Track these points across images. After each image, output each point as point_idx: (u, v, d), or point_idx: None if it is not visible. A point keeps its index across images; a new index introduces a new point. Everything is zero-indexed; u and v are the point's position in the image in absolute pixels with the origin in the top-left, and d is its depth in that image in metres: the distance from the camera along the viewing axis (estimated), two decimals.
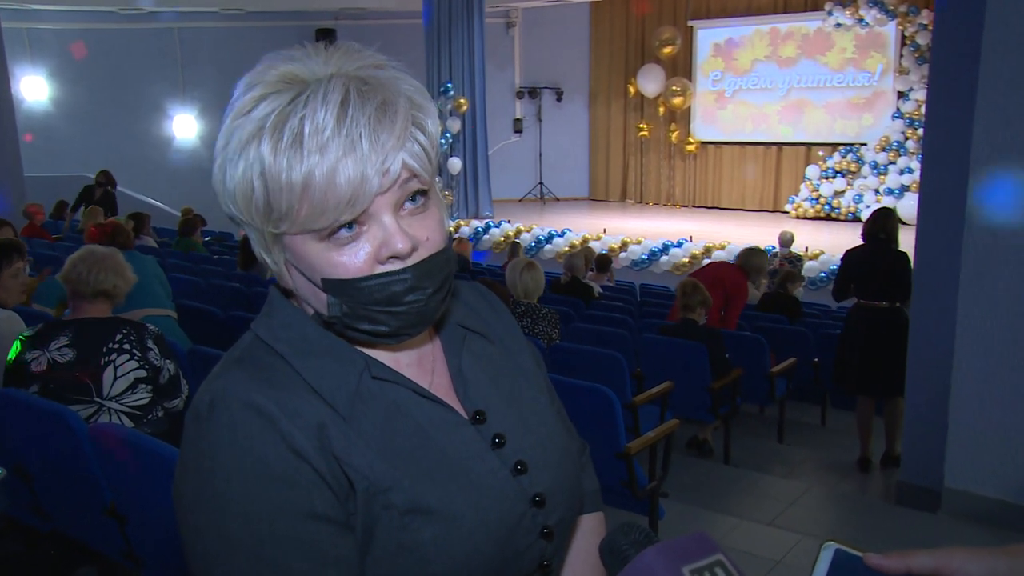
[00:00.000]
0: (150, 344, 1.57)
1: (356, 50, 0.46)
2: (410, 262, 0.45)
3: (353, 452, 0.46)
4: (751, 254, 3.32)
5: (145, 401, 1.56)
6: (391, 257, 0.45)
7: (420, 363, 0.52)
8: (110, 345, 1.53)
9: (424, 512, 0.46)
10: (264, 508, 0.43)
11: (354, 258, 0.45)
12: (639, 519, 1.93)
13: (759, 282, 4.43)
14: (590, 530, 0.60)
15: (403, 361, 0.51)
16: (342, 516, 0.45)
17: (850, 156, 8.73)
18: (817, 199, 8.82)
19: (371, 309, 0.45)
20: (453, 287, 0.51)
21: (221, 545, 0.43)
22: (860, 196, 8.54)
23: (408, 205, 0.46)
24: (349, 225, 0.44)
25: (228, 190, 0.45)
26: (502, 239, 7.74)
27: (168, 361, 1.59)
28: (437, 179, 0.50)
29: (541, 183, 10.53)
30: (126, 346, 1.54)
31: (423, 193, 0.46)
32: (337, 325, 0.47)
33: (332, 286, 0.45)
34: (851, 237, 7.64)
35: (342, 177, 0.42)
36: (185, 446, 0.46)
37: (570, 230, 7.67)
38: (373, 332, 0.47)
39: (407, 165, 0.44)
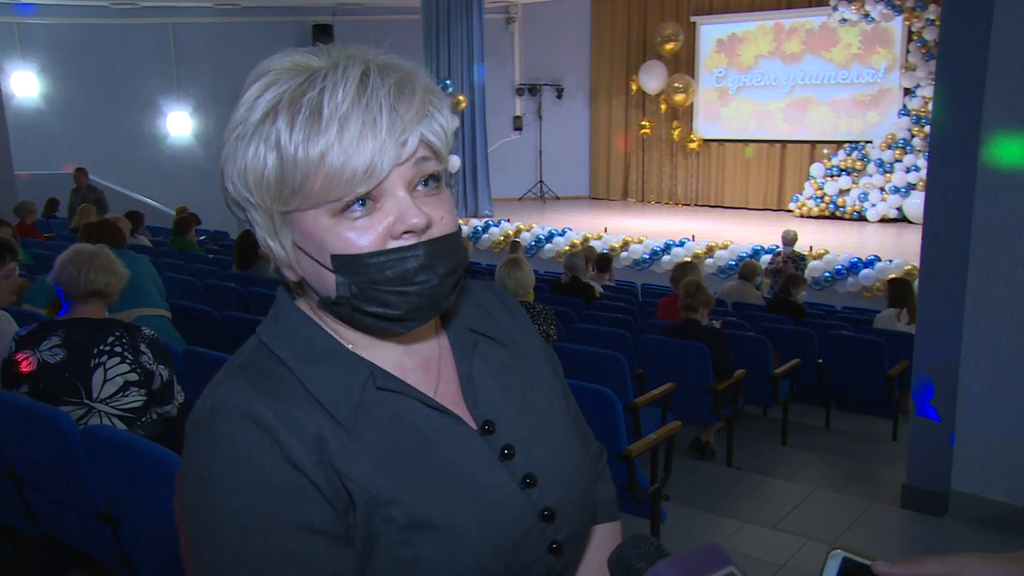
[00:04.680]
0: (143, 348, 1.54)
1: (372, 48, 0.46)
2: (424, 238, 0.45)
3: (353, 465, 0.45)
4: (682, 271, 3.41)
5: (138, 404, 1.54)
6: (405, 232, 0.44)
7: (425, 368, 0.51)
8: (101, 347, 1.51)
9: (425, 527, 0.45)
10: (260, 521, 0.42)
11: (366, 234, 0.44)
12: (640, 522, 1.92)
13: (761, 283, 4.41)
14: (604, 540, 0.58)
15: (408, 366, 0.50)
16: (340, 530, 0.44)
17: (855, 154, 8.68)
18: (822, 198, 8.78)
19: (381, 289, 0.44)
20: (464, 284, 0.50)
21: (217, 556, 0.43)
22: (865, 195, 8.50)
23: (421, 187, 0.45)
24: (363, 201, 0.44)
25: (238, 169, 0.44)
26: (502, 238, 7.71)
27: (162, 366, 1.57)
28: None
29: (541, 181, 10.51)
30: (117, 348, 1.52)
31: (436, 179, 0.46)
32: (344, 307, 0.46)
33: (341, 263, 0.44)
34: (856, 236, 7.66)
35: (361, 148, 0.42)
36: (186, 453, 0.46)
37: (570, 229, 7.65)
38: (382, 315, 0.45)
39: (426, 140, 0.44)
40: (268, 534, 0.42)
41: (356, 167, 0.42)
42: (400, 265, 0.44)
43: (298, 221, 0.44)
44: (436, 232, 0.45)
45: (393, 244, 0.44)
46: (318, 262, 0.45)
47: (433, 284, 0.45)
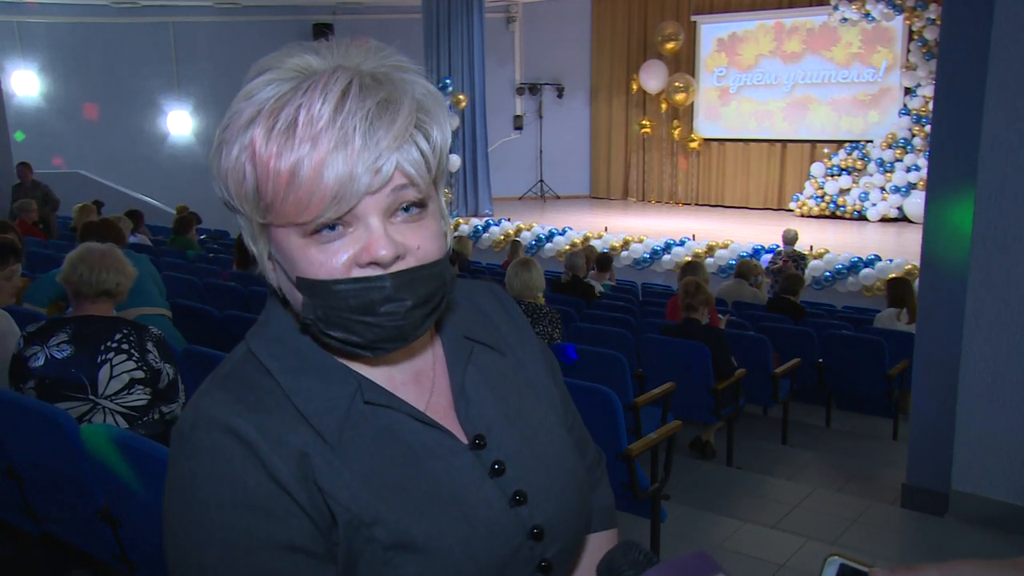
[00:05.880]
0: (150, 346, 1.55)
1: (379, 48, 0.44)
2: (392, 269, 0.43)
3: (337, 483, 0.44)
4: (689, 270, 3.44)
5: (143, 403, 1.54)
6: (371, 263, 0.42)
7: (417, 380, 0.50)
8: (108, 344, 1.51)
9: (409, 547, 0.44)
10: (241, 537, 0.42)
11: (333, 258, 0.42)
12: (641, 521, 1.92)
13: (761, 282, 4.41)
14: (598, 550, 0.57)
15: (398, 378, 0.49)
16: (322, 548, 0.43)
17: (856, 153, 8.68)
18: (822, 197, 8.78)
19: (344, 316, 0.43)
20: (451, 300, 0.49)
21: (197, 571, 0.43)
22: (866, 194, 8.50)
23: (401, 214, 0.43)
24: (333, 225, 0.42)
25: (221, 172, 0.43)
26: (502, 237, 7.71)
27: (168, 365, 1.57)
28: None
29: (542, 180, 10.51)
30: (124, 346, 1.52)
31: (420, 204, 0.44)
32: (312, 329, 0.45)
33: (307, 286, 0.43)
34: (857, 236, 7.66)
35: (330, 172, 0.40)
36: (170, 465, 0.45)
37: (571, 228, 7.64)
38: (346, 341, 0.44)
39: (402, 169, 0.42)
40: (248, 551, 0.42)
41: (324, 193, 0.40)
42: (364, 295, 0.42)
43: (274, 235, 0.43)
44: (410, 262, 0.43)
45: (358, 273, 0.42)
46: (289, 279, 0.44)
47: (399, 316, 0.43)
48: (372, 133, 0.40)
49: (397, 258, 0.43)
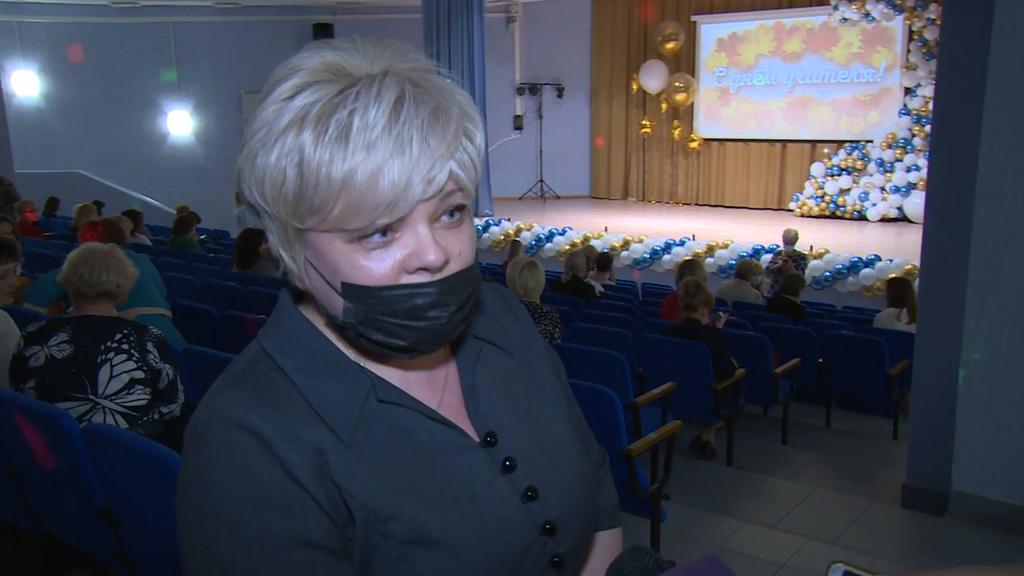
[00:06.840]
0: (150, 347, 1.55)
1: (405, 51, 0.44)
2: (437, 276, 0.43)
3: (353, 479, 0.44)
4: (687, 270, 3.45)
5: (142, 403, 1.54)
6: (420, 269, 0.43)
7: (430, 380, 0.50)
8: (108, 344, 1.51)
9: (424, 543, 0.45)
10: (257, 533, 0.42)
11: (380, 264, 0.43)
12: (641, 521, 1.92)
13: (761, 282, 4.42)
14: (605, 548, 0.58)
15: (412, 378, 0.49)
16: (338, 544, 0.44)
17: (856, 153, 8.68)
18: (822, 197, 8.78)
19: (388, 321, 0.43)
20: (477, 300, 0.49)
21: (212, 567, 0.43)
22: (866, 194, 8.50)
23: (445, 219, 0.44)
24: (383, 231, 0.42)
25: (256, 176, 0.43)
26: (502, 237, 7.72)
27: (168, 365, 1.58)
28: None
29: (542, 180, 10.51)
30: (124, 346, 1.52)
31: (461, 208, 0.45)
32: (350, 332, 0.45)
33: (351, 292, 0.43)
34: (857, 236, 7.66)
35: (386, 179, 0.40)
36: (184, 462, 0.45)
37: (571, 228, 7.66)
38: (386, 344, 0.45)
39: (454, 175, 0.43)
40: (265, 547, 0.42)
41: (379, 200, 0.40)
42: (411, 300, 0.43)
43: (312, 240, 0.43)
44: (453, 267, 0.44)
45: (406, 279, 0.43)
46: (328, 283, 0.44)
47: (443, 321, 0.44)
48: (427, 141, 0.41)
49: (445, 263, 0.43)
